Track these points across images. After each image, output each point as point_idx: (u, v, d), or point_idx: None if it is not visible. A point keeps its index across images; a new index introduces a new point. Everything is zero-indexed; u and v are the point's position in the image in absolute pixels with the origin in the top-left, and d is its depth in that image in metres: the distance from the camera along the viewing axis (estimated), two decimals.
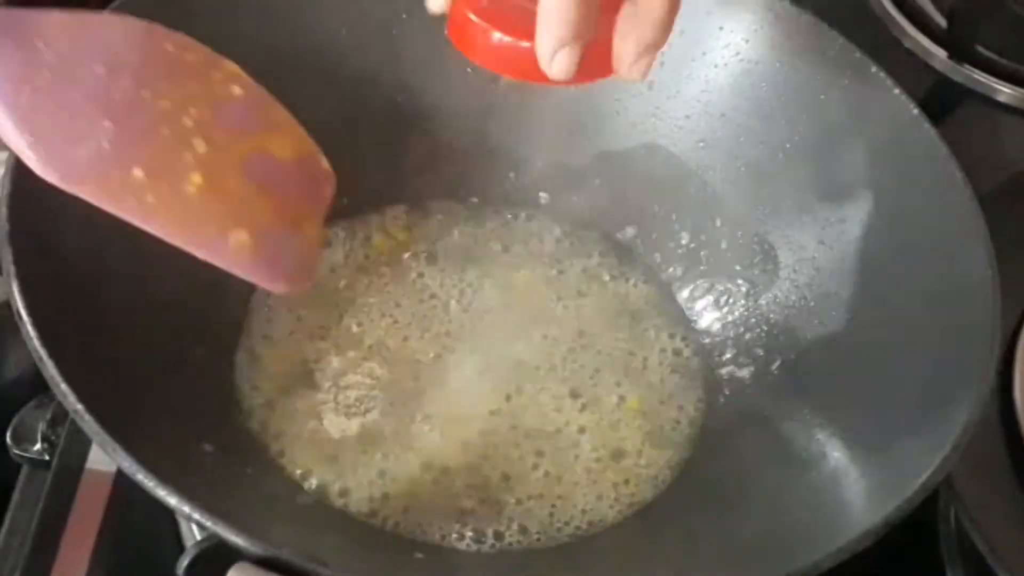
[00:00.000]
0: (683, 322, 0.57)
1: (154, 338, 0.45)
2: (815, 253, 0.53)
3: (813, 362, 0.51)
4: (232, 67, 0.44)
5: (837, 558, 0.37)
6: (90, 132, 0.37)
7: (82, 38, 0.38)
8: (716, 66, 0.55)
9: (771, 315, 0.54)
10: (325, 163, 0.47)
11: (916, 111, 0.49)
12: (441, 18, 0.56)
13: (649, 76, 0.56)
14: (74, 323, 0.40)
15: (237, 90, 0.44)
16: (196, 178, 0.40)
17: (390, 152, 0.58)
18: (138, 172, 0.38)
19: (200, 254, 0.40)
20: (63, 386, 0.36)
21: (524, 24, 0.37)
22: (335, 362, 0.52)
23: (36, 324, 0.37)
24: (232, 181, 0.41)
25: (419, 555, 0.46)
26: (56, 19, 0.37)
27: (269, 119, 0.45)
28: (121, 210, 0.38)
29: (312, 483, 0.48)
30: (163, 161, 0.39)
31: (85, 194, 0.37)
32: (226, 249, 0.40)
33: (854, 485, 0.43)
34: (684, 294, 0.58)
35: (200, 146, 0.40)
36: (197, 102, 0.41)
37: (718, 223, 0.57)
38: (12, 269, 0.38)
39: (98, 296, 0.43)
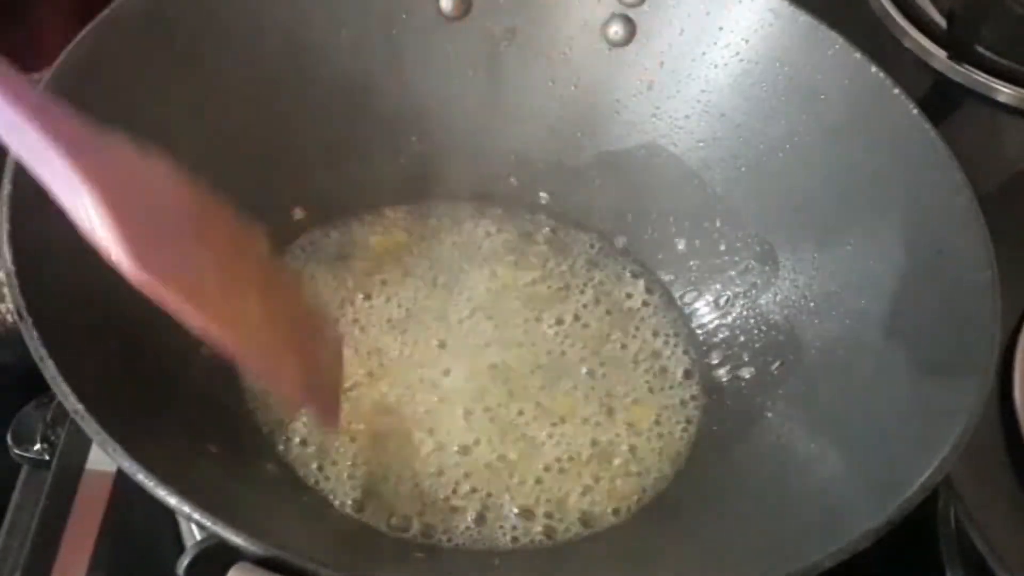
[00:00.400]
0: (682, 322, 0.57)
1: (156, 338, 0.45)
2: (815, 253, 0.53)
3: (813, 362, 0.51)
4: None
5: (837, 558, 0.37)
6: (169, 239, 0.40)
7: (148, 165, 0.41)
8: (716, 66, 0.55)
9: (771, 315, 0.54)
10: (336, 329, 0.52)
11: (916, 111, 0.49)
12: (442, 18, 0.57)
13: (649, 77, 0.57)
14: (75, 323, 0.40)
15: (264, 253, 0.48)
16: (256, 298, 0.43)
17: (390, 152, 0.58)
18: (211, 281, 0.41)
19: (259, 371, 0.44)
20: (63, 386, 0.36)
21: None
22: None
23: (37, 324, 0.37)
24: (281, 313, 0.45)
25: (419, 555, 0.46)
26: (128, 152, 0.40)
27: (291, 281, 0.51)
28: (197, 316, 0.41)
29: (313, 483, 0.48)
30: (227, 278, 0.42)
31: (169, 294, 0.40)
32: (283, 370, 0.44)
33: (854, 485, 0.43)
34: (683, 294, 0.58)
35: (255, 273, 0.44)
36: (241, 245, 0.45)
37: (717, 223, 0.57)
38: (12, 269, 0.38)
39: (99, 296, 0.42)
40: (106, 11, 0.47)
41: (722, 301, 0.56)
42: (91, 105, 0.41)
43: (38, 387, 0.51)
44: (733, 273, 0.56)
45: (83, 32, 0.46)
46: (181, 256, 0.40)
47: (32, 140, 0.36)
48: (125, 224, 0.37)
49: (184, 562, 0.35)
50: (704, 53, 0.55)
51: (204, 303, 0.41)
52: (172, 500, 0.34)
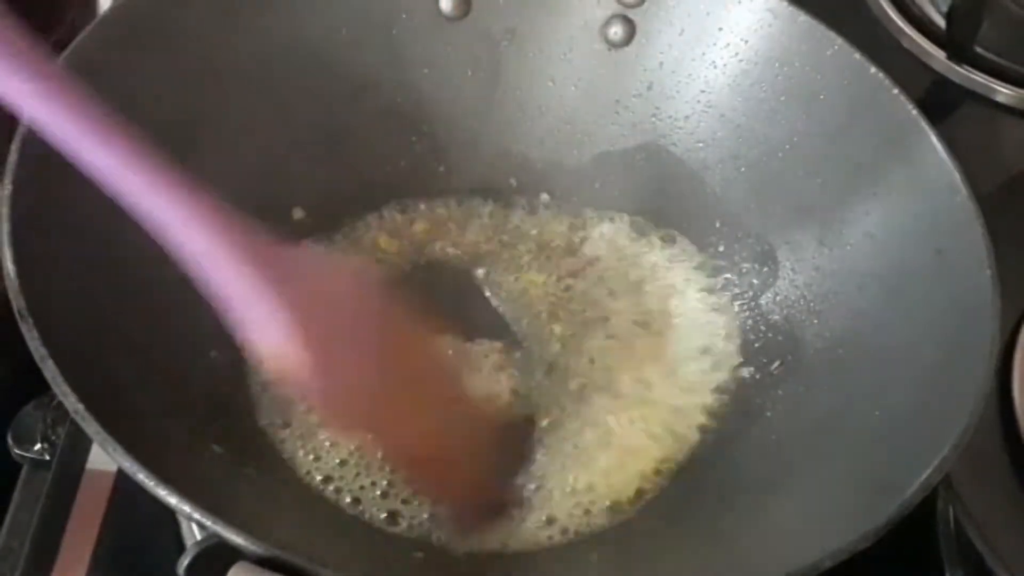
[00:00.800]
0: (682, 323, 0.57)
1: (157, 338, 0.45)
2: (814, 253, 0.53)
3: (813, 362, 0.51)
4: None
5: (837, 558, 0.37)
6: (350, 358, 0.41)
7: (336, 278, 0.43)
8: (716, 66, 0.55)
9: (771, 315, 0.54)
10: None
11: (915, 111, 0.50)
12: (442, 18, 0.57)
13: (649, 77, 0.57)
14: (75, 323, 0.40)
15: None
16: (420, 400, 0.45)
17: (390, 152, 0.58)
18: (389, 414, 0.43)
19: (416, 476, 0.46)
20: (64, 386, 0.36)
21: None
22: None
23: (37, 324, 0.37)
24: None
25: (419, 555, 0.46)
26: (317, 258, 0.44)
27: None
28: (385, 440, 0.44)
29: (315, 483, 0.48)
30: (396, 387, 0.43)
31: (353, 426, 0.43)
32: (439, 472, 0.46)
33: (854, 485, 0.43)
34: (682, 295, 0.57)
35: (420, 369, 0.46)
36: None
37: (717, 224, 0.57)
38: (12, 269, 0.38)
39: (99, 296, 0.43)
40: (106, 10, 0.47)
41: (722, 301, 0.56)
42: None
43: (38, 387, 0.51)
44: (732, 274, 0.56)
45: (84, 31, 0.46)
46: (360, 374, 0.41)
47: (230, 276, 0.36)
48: (311, 353, 0.37)
49: (184, 562, 0.35)
50: (704, 53, 0.55)
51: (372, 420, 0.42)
52: (172, 500, 0.34)
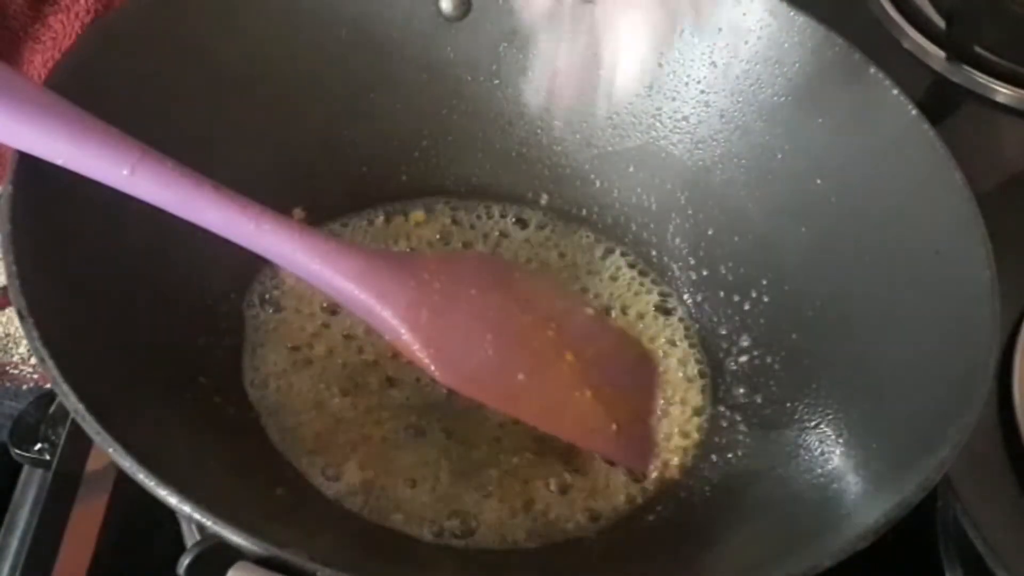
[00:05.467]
0: (683, 323, 0.57)
1: (157, 338, 0.45)
2: (815, 254, 0.53)
3: (813, 363, 0.51)
4: (574, 293, 0.53)
5: (837, 558, 0.37)
6: (477, 344, 0.45)
7: (454, 270, 0.47)
8: (716, 67, 0.55)
9: (771, 316, 0.54)
10: (646, 348, 0.54)
11: (915, 112, 0.50)
12: (442, 18, 0.57)
13: (648, 78, 0.57)
14: (75, 323, 0.40)
15: (589, 310, 0.53)
16: (571, 380, 0.47)
17: (389, 153, 0.58)
18: (522, 376, 0.46)
19: (579, 443, 0.48)
20: (63, 386, 0.36)
21: None
22: (343, 364, 0.52)
23: (37, 324, 0.37)
24: (598, 383, 0.48)
25: (420, 554, 0.46)
26: (431, 257, 0.48)
27: (604, 325, 0.53)
28: (514, 411, 0.46)
29: (315, 482, 0.48)
30: (542, 367, 0.47)
31: (480, 396, 0.46)
32: (602, 439, 0.48)
33: (853, 485, 0.44)
34: (683, 295, 0.58)
35: (569, 355, 0.48)
36: (553, 319, 0.49)
37: (717, 225, 0.57)
38: (13, 269, 0.38)
39: (99, 296, 0.43)
40: (96, 20, 0.47)
41: (723, 302, 0.56)
42: (88, 103, 0.42)
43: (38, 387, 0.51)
44: (733, 275, 0.56)
45: (87, 30, 0.46)
46: (486, 357, 0.45)
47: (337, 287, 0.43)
48: (432, 345, 0.43)
49: (184, 562, 0.35)
50: (704, 54, 0.55)
51: (519, 396, 0.45)
52: (172, 500, 0.34)
